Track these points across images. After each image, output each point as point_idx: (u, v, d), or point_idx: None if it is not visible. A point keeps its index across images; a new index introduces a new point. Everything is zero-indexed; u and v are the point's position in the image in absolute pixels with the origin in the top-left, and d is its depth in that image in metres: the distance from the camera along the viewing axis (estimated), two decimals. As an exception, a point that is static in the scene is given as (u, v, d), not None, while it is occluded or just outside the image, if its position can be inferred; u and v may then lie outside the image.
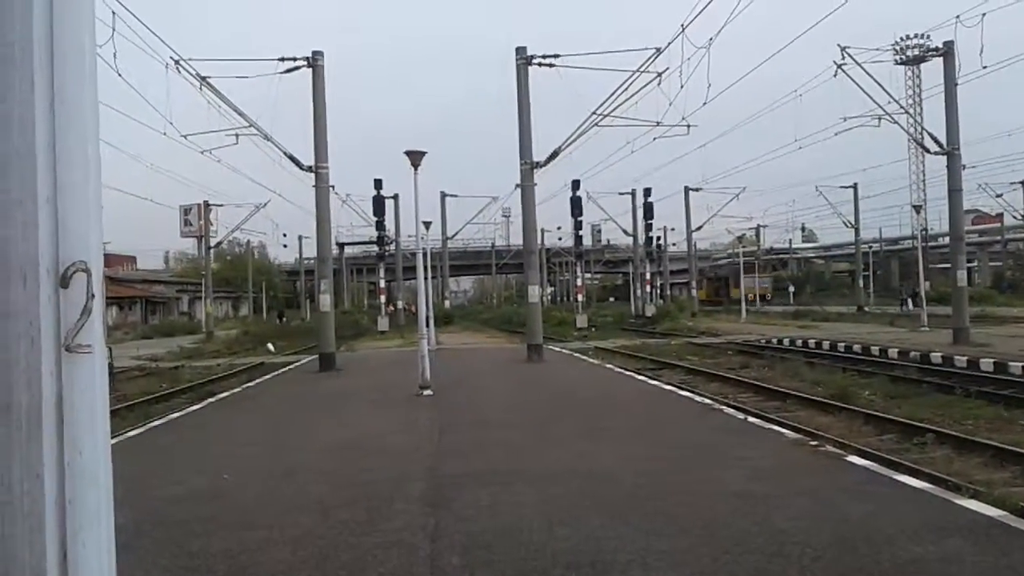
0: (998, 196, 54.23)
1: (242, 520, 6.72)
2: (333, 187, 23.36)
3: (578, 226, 44.93)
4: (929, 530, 5.73)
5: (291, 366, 24.47)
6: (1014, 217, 58.50)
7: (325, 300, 22.75)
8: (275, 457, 9.65)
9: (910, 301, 44.12)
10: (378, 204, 40.98)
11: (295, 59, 21.35)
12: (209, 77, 20.86)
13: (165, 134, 22.37)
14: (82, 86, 1.47)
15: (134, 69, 19.83)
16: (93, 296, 1.45)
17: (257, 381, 20.19)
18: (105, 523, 1.40)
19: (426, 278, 20.33)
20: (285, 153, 22.08)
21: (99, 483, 1.40)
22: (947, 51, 24.77)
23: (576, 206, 42.19)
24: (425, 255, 21.49)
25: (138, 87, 20.27)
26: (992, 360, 18.50)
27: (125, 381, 22.84)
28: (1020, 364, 17.48)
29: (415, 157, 15.61)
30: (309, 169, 21.80)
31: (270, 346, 34.97)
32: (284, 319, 61.03)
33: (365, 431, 11.40)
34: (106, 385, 1.54)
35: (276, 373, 22.36)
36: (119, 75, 18.77)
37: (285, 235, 69.64)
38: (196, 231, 69.88)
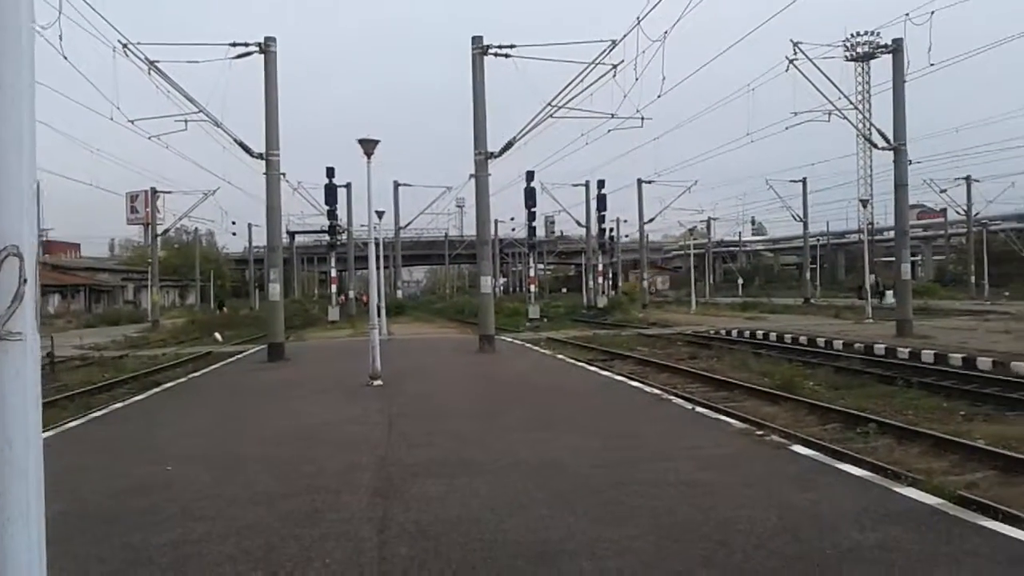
0: (942, 192, 55.60)
1: (185, 512, 6.61)
2: (284, 175, 23.09)
3: (531, 217, 45.15)
4: (870, 518, 5.85)
5: (239, 356, 24.15)
6: (957, 212, 60.03)
7: (274, 289, 22.47)
8: (221, 448, 9.52)
9: (886, 294, 43.84)
10: (330, 193, 40.68)
11: (247, 44, 21.01)
12: (158, 61, 20.45)
13: (112, 119, 21.90)
14: (18, 69, 1.43)
15: (81, 52, 19.38)
16: (25, 282, 1.41)
17: (203, 371, 19.90)
18: (35, 516, 1.37)
19: (378, 268, 20.23)
20: (235, 140, 21.75)
21: (28, 476, 1.37)
22: (896, 48, 25.29)
23: (530, 197, 42.36)
24: (377, 245, 21.31)
25: (85, 71, 19.82)
26: (933, 352, 18.97)
27: (66, 370, 22.37)
28: (960, 356, 17.96)
29: (368, 146, 15.47)
30: (260, 156, 21.49)
31: (218, 336, 34.48)
32: (224, 309, 60.04)
33: (313, 422, 11.29)
34: (38, 374, 1.50)
35: (223, 363, 22.06)
36: (65, 58, 18.33)
37: (234, 223, 68.71)
38: (143, 218, 68.63)
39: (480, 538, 5.63)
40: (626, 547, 5.33)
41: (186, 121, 21.95)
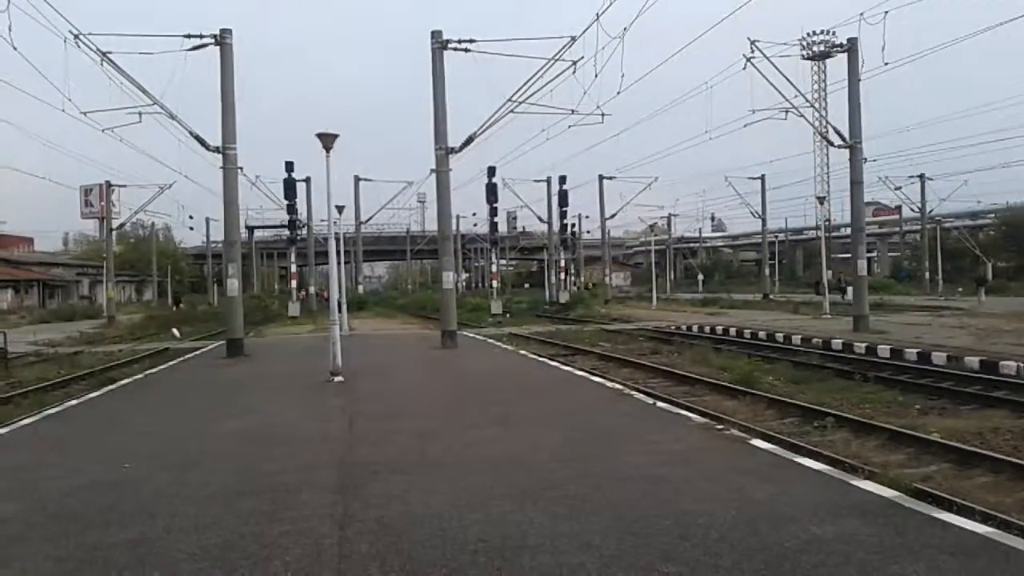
0: (897, 189, 56.69)
1: (143, 510, 6.49)
2: (241, 169, 22.77)
3: (493, 212, 45.11)
4: (827, 511, 5.92)
5: (197, 352, 23.83)
6: (911, 209, 61.15)
7: (232, 285, 22.18)
8: (179, 446, 9.37)
9: (848, 290, 43.95)
10: (289, 187, 40.30)
11: (201, 36, 20.67)
12: (111, 52, 20.10)
13: (63, 111, 21.47)
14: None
15: (32, 43, 18.99)
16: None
17: (161, 367, 19.58)
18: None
19: (339, 263, 20.07)
20: (191, 133, 21.44)
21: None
22: (851, 47, 25.64)
23: (492, 192, 42.33)
24: (338, 240, 21.14)
25: (36, 62, 19.41)
26: (889, 347, 19.29)
27: (20, 367, 21.93)
28: (915, 351, 18.28)
29: (327, 139, 15.33)
30: (216, 150, 21.19)
31: (175, 331, 33.98)
32: (181, 304, 59.21)
33: (273, 419, 11.15)
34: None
35: (181, 359, 21.73)
36: (15, 48, 17.95)
37: (191, 217, 67.88)
38: (98, 212, 67.36)
39: (441, 534, 5.59)
40: (587, 542, 5.33)
41: (140, 114, 21.61)
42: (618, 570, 4.83)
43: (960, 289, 48.06)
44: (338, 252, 19.64)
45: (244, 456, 8.60)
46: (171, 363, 20.69)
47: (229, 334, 22.04)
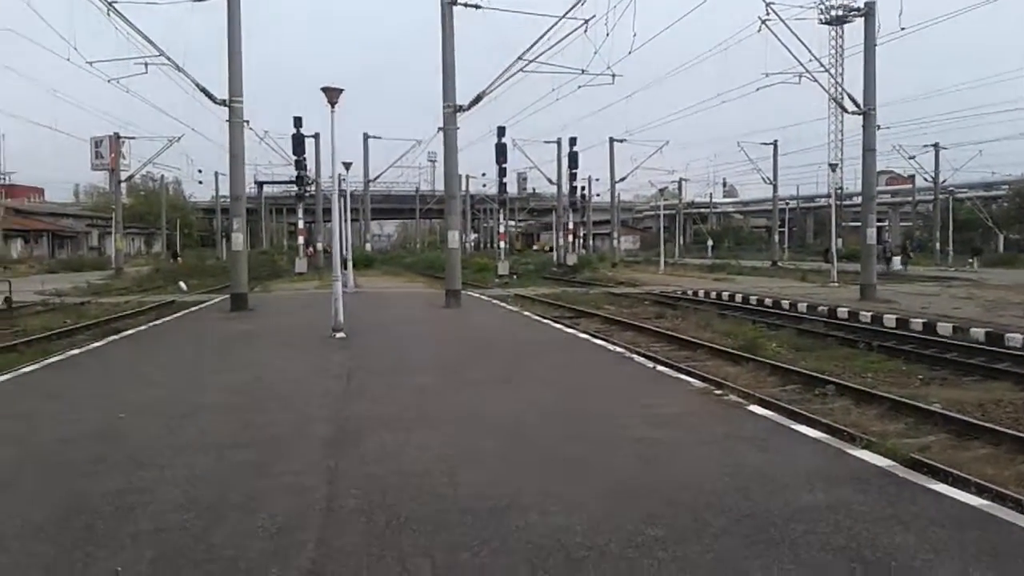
0: (911, 158, 55.94)
1: (134, 460, 6.49)
2: (248, 122, 22.58)
3: (502, 173, 44.80)
4: (821, 479, 5.87)
5: (202, 305, 23.87)
6: (925, 179, 60.43)
7: (238, 239, 22.14)
8: (176, 397, 9.37)
9: (891, 259, 43.30)
10: (297, 142, 40.10)
11: (208, -15, 20.42)
12: (117, 2, 19.87)
13: (68, 60, 21.31)
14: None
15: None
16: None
17: (165, 319, 19.63)
18: None
19: (344, 220, 19.99)
20: (197, 85, 21.25)
21: None
22: (868, 11, 25.18)
23: (501, 153, 42.00)
24: (344, 196, 21.03)
25: (42, 10, 19.26)
26: (895, 316, 19.16)
27: (26, 316, 21.99)
28: (921, 320, 18.15)
29: (332, 94, 15.14)
30: (222, 103, 20.99)
31: (182, 284, 34.01)
32: (179, 258, 59.21)
33: (272, 372, 11.16)
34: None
35: (186, 312, 21.79)
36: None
37: (200, 171, 67.80)
38: (108, 164, 67.21)
39: (431, 492, 5.57)
40: (576, 503, 5.30)
41: (146, 64, 21.43)
42: (604, 532, 4.79)
43: (971, 260, 47.74)
44: (343, 209, 19.50)
45: (239, 408, 8.59)
46: (176, 315, 20.74)
47: (233, 288, 22.04)
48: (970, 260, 46.14)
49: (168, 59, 21.06)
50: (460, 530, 4.86)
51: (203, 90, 21.26)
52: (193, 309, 22.59)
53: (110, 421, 8.02)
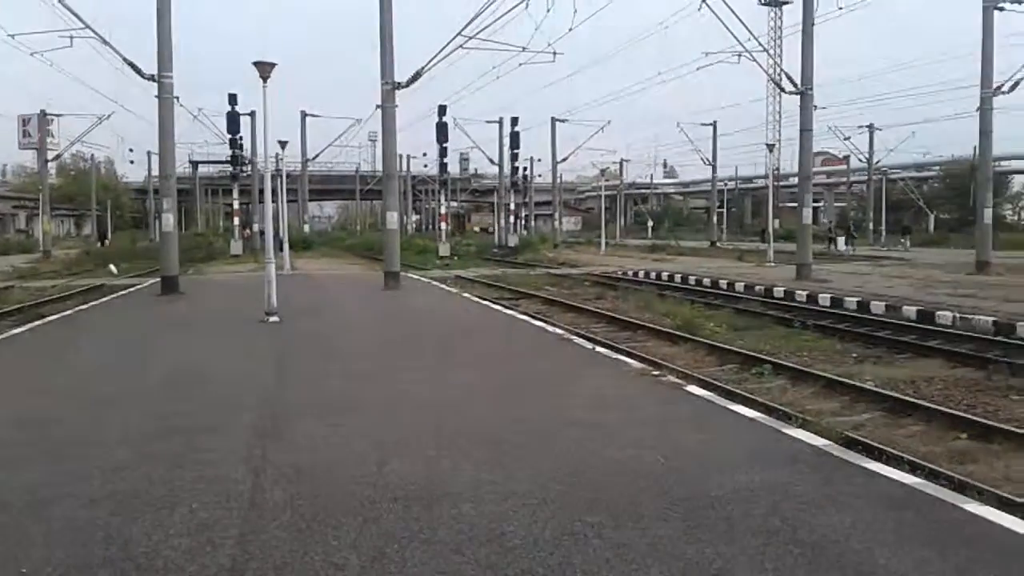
0: (846, 139, 56.93)
1: (50, 452, 6.17)
2: (178, 98, 21.88)
3: (443, 153, 44.48)
4: (757, 459, 5.83)
5: (133, 289, 23.14)
6: (860, 160, 61.59)
7: (168, 220, 21.44)
8: (98, 384, 9.00)
9: (836, 240, 45.25)
10: (232, 121, 39.12)
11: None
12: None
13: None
14: None
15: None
16: None
17: (92, 304, 18.96)
18: None
19: (275, 200, 19.50)
20: (125, 60, 20.46)
21: None
22: (807, -9, 25.33)
23: (442, 132, 41.58)
24: (278, 176, 20.52)
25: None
26: (830, 296, 19.44)
27: (-58, 302, 21.06)
28: (855, 299, 18.43)
29: (264, 68, 14.67)
30: (151, 78, 20.26)
31: (112, 268, 33.02)
32: (107, 241, 57.56)
33: (200, 358, 10.80)
34: None
35: (115, 296, 21.09)
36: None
37: (132, 150, 65.88)
38: (36, 143, 64.89)
39: (361, 481, 5.37)
40: (511, 491, 5.15)
41: (71, 38, 20.56)
42: (539, 519, 4.65)
43: (903, 240, 48.95)
44: (276, 189, 19.01)
45: (164, 397, 8.26)
46: (104, 299, 20.06)
47: (164, 271, 21.38)
48: (902, 240, 47.37)
49: (94, 32, 20.26)
50: (389, 522, 4.67)
51: (131, 65, 20.48)
52: (122, 293, 21.88)
53: (27, 411, 7.65)
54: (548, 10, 20.49)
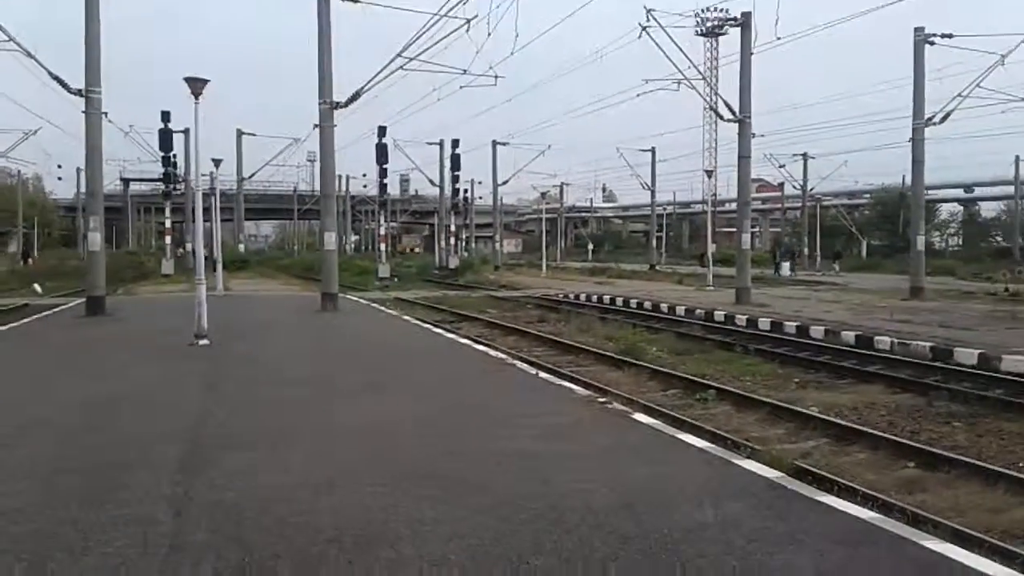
0: (781, 166, 58.14)
1: (-52, 490, 5.64)
2: (106, 114, 21.09)
3: (383, 174, 43.86)
4: (709, 493, 5.60)
5: (57, 309, 22.23)
6: (794, 187, 62.97)
7: (95, 238, 20.62)
8: (8, 414, 8.38)
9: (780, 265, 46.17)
10: (165, 137, 38.15)
11: (63, -34, 18.98)
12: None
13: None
14: None
15: None
16: None
17: (10, 325, 18.05)
18: None
19: (208, 219, 18.91)
20: (50, 74, 19.66)
21: None
22: (744, 22, 25.72)
23: (382, 153, 41.11)
24: (210, 194, 19.91)
25: None
26: (769, 320, 19.54)
27: None
28: (794, 324, 18.54)
29: (196, 85, 14.21)
30: (78, 93, 19.52)
31: (36, 287, 31.75)
32: (30, 260, 55.58)
33: (124, 385, 10.20)
34: None
35: (37, 316, 20.15)
36: None
37: (60, 167, 63.88)
38: (-41, 159, 62.44)
39: (291, 521, 4.98)
40: (454, 531, 4.82)
41: (-7, 51, 19.69)
42: (485, 562, 4.35)
43: (834, 265, 50.00)
44: (211, 208, 18.42)
45: (80, 427, 7.74)
46: (24, 320, 19.14)
47: (90, 291, 20.50)
48: (833, 265, 48.47)
49: (18, 45, 19.46)
50: (323, 567, 4.32)
51: (57, 79, 19.69)
52: (46, 313, 20.94)
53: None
54: (488, 34, 20.37)
